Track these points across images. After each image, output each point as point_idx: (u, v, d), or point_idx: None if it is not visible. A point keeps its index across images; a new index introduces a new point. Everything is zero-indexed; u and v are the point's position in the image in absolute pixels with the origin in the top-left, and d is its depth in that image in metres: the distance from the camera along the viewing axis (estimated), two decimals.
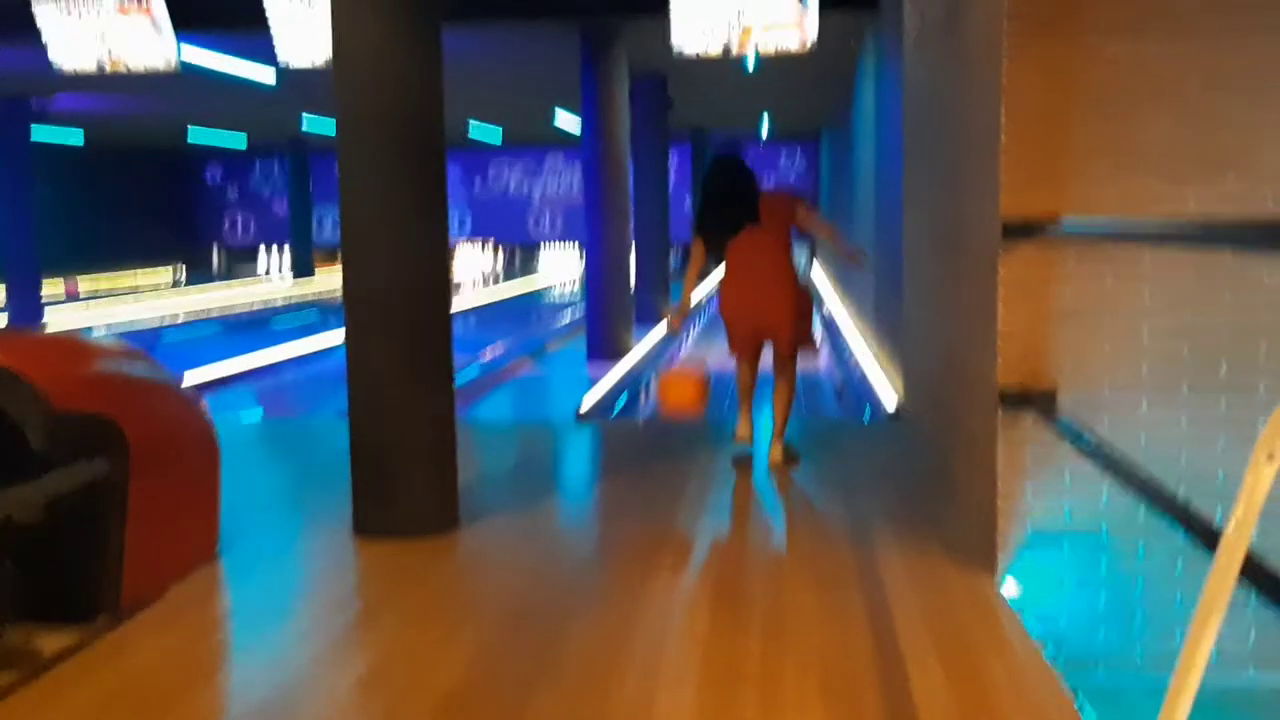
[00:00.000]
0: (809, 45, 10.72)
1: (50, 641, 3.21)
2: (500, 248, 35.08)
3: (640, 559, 4.11)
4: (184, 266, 33.35)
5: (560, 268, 32.82)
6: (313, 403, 11.93)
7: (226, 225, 35.07)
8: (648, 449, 5.04)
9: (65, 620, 3.33)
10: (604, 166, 13.79)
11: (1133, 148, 3.53)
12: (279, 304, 25.38)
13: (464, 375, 12.07)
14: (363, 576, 4.04)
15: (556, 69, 15.01)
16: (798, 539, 4.50)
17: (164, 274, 32.19)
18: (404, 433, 4.28)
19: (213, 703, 3.01)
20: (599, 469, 6.06)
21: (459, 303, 21.91)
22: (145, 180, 31.44)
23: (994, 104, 3.61)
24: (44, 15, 11.90)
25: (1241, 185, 3.49)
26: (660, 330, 15.37)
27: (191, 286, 28.90)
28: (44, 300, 20.30)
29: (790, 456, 5.46)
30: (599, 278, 13.87)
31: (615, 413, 10.75)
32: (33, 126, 19.98)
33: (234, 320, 21.69)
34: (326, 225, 31.66)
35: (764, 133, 29.08)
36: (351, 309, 4.34)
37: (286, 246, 31.68)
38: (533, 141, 30.56)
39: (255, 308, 24.53)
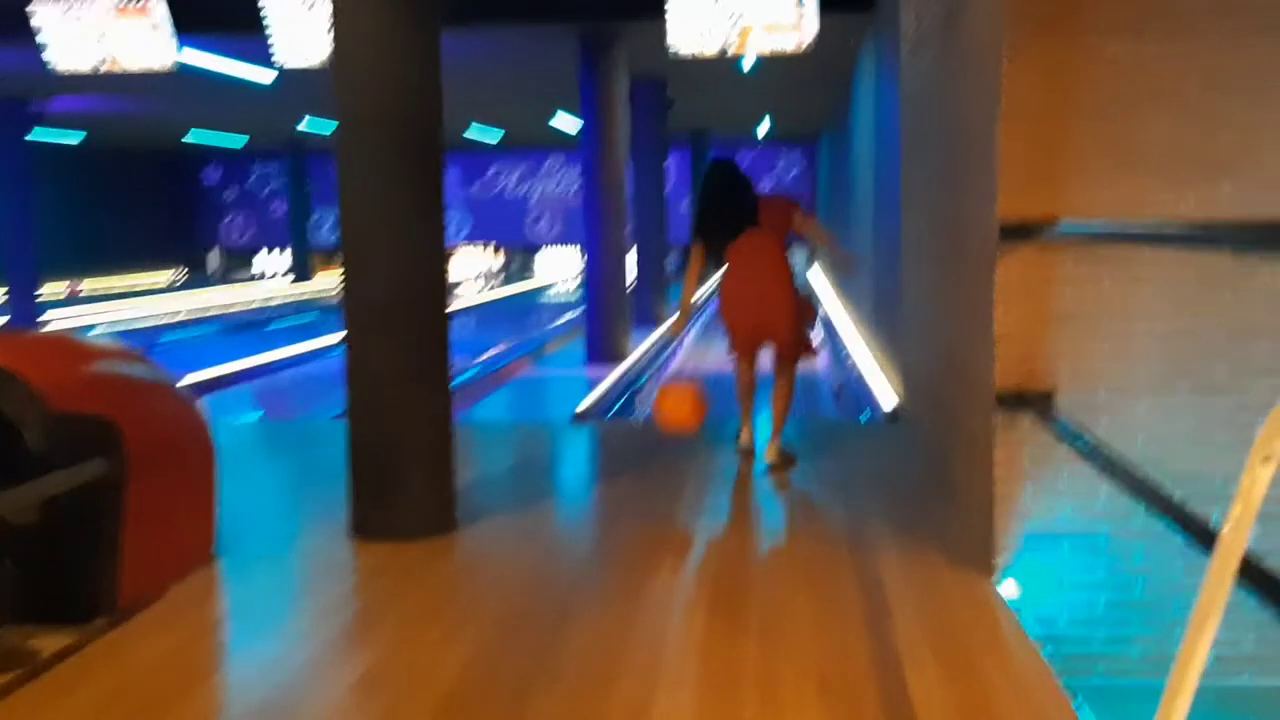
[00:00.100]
0: (805, 46, 10.73)
1: (48, 642, 3.21)
2: (499, 250, 35.08)
3: (639, 560, 4.11)
4: (185, 268, 33.34)
5: (559, 270, 32.82)
6: (310, 404, 11.92)
7: (225, 227, 35.05)
8: (646, 450, 5.04)
9: (63, 621, 3.33)
10: (603, 169, 13.79)
11: (1132, 149, 3.54)
12: (276, 304, 25.36)
13: (462, 377, 12.07)
14: (361, 577, 4.04)
15: (555, 71, 15.02)
16: (796, 540, 4.50)
17: (163, 276, 32.17)
18: (403, 433, 4.28)
19: (211, 703, 3.00)
20: (597, 470, 6.06)
21: (457, 304, 21.92)
22: (144, 182, 31.42)
23: (992, 105, 3.61)
24: (42, 16, 11.90)
25: (1241, 186, 3.49)
26: (659, 332, 15.38)
27: (191, 290, 28.85)
28: (46, 301, 20.31)
29: (787, 458, 5.47)
30: (597, 280, 13.87)
31: (612, 414, 10.75)
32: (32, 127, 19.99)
33: (233, 321, 21.68)
34: (325, 227, 31.65)
35: (762, 135, 29.09)
36: (351, 309, 4.34)
37: (288, 249, 31.62)
38: (531, 143, 30.56)
39: (254, 307, 24.52)
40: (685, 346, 15.14)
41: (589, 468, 6.19)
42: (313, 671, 3.14)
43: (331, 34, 4.31)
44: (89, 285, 27.70)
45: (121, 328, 19.09)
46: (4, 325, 18.46)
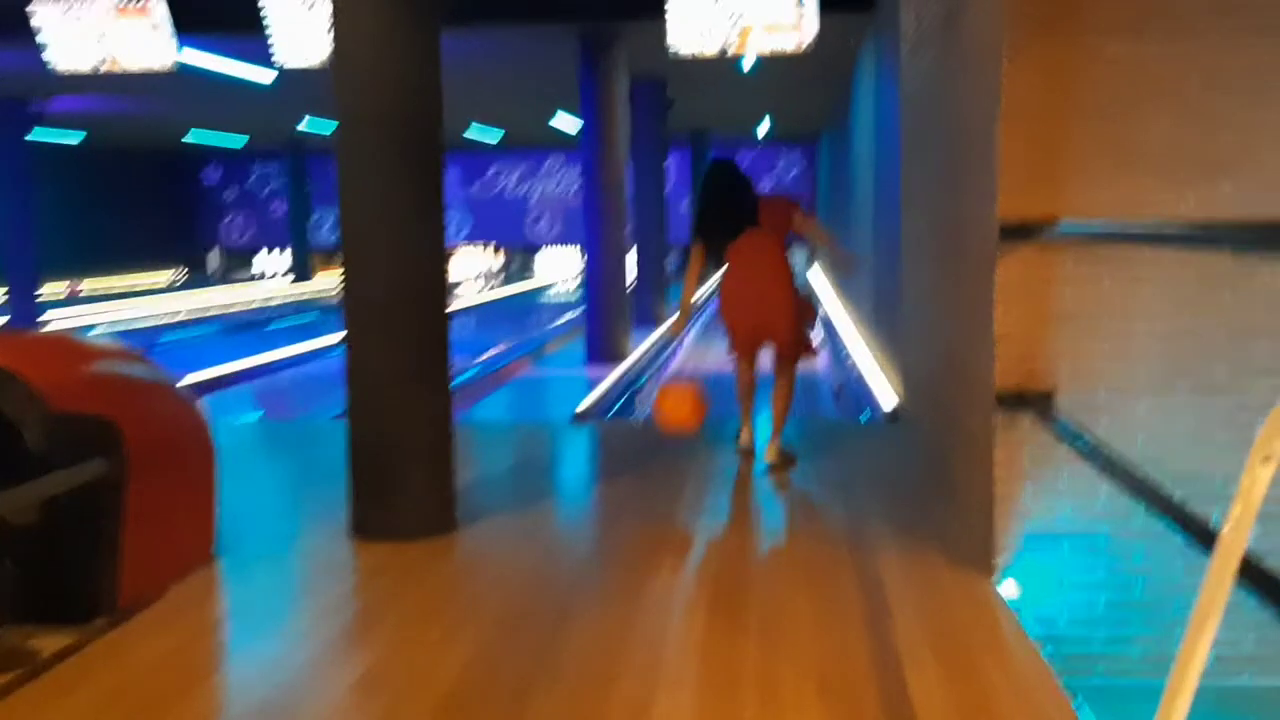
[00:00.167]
0: (805, 46, 10.73)
1: (48, 642, 3.21)
2: (498, 250, 35.08)
3: (639, 560, 4.11)
4: (185, 268, 33.33)
5: (559, 270, 32.82)
6: (310, 404, 11.92)
7: (225, 227, 35.05)
8: (646, 450, 5.05)
9: (63, 621, 3.33)
10: (603, 169, 13.79)
11: (1132, 149, 3.54)
12: (276, 304, 25.35)
13: (462, 377, 12.07)
14: (361, 577, 4.04)
15: (555, 72, 15.01)
16: (796, 540, 4.50)
17: (163, 276, 32.16)
18: (403, 433, 4.28)
19: (211, 703, 3.00)
20: (597, 470, 6.06)
21: (457, 304, 21.91)
22: (143, 182, 31.42)
23: (992, 105, 3.61)
24: (42, 16, 11.90)
25: (1241, 186, 3.49)
26: (659, 332, 15.38)
27: (191, 290, 28.84)
28: (46, 301, 20.29)
29: (787, 457, 5.47)
30: (597, 280, 13.87)
31: (612, 414, 10.75)
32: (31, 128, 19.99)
33: (232, 321, 21.68)
34: (325, 227, 31.66)
35: (762, 135, 29.09)
36: (351, 309, 4.34)
37: (288, 249, 31.61)
38: (531, 144, 30.57)
39: (254, 307, 24.52)
40: (685, 346, 15.14)
41: (589, 468, 6.19)
42: (313, 671, 3.14)
43: (331, 34, 4.31)
44: (89, 285, 27.70)
45: (121, 328, 19.09)
46: (4, 325, 18.46)
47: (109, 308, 22.40)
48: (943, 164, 4.85)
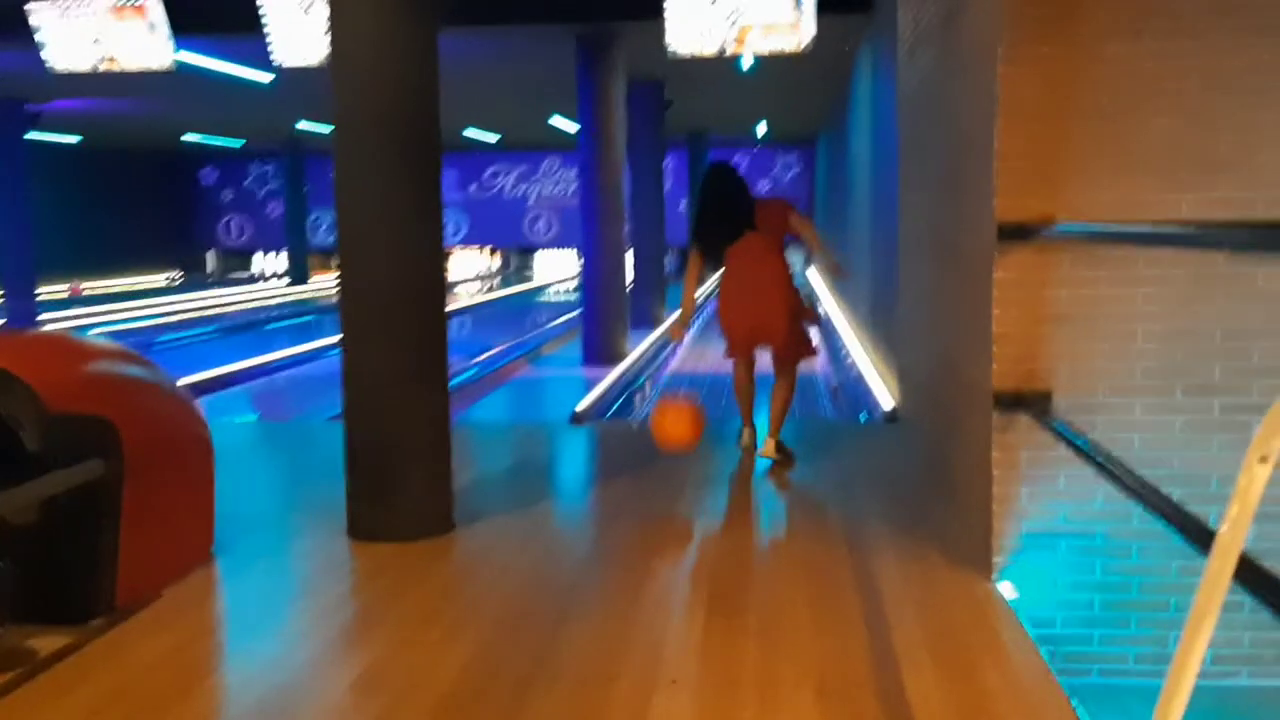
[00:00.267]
0: (804, 47, 10.74)
1: (46, 642, 3.21)
2: (494, 252, 35.06)
3: (638, 560, 4.12)
4: (182, 269, 33.30)
5: (557, 271, 32.81)
6: (307, 405, 11.91)
7: (222, 228, 35.02)
8: (644, 450, 5.05)
9: (61, 621, 3.33)
10: (600, 170, 13.78)
11: (1130, 149, 3.54)
12: (273, 305, 25.33)
13: (460, 377, 12.06)
14: (360, 578, 4.04)
15: (553, 73, 15.01)
16: (794, 541, 4.50)
17: (160, 276, 32.12)
18: (402, 433, 4.28)
19: (209, 704, 3.00)
20: (595, 471, 6.07)
21: (455, 305, 21.89)
22: (141, 182, 31.37)
23: (990, 106, 3.62)
24: (40, 16, 11.89)
25: (1239, 187, 3.50)
26: (656, 334, 15.37)
27: (189, 290, 28.81)
28: (48, 301, 20.25)
29: (785, 456, 5.48)
30: (595, 282, 13.87)
31: (610, 414, 10.76)
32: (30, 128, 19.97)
33: (230, 322, 21.67)
34: (322, 228, 31.63)
35: (760, 137, 29.09)
36: (349, 309, 4.34)
37: (286, 249, 31.56)
38: (529, 145, 30.55)
39: (251, 307, 24.50)
40: (684, 346, 15.14)
41: (587, 468, 6.20)
42: (311, 672, 3.14)
43: (330, 33, 4.31)
44: (85, 286, 27.66)
45: (118, 328, 19.06)
46: (2, 326, 18.43)
47: (106, 308, 22.37)
48: (940, 165, 4.86)
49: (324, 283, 27.81)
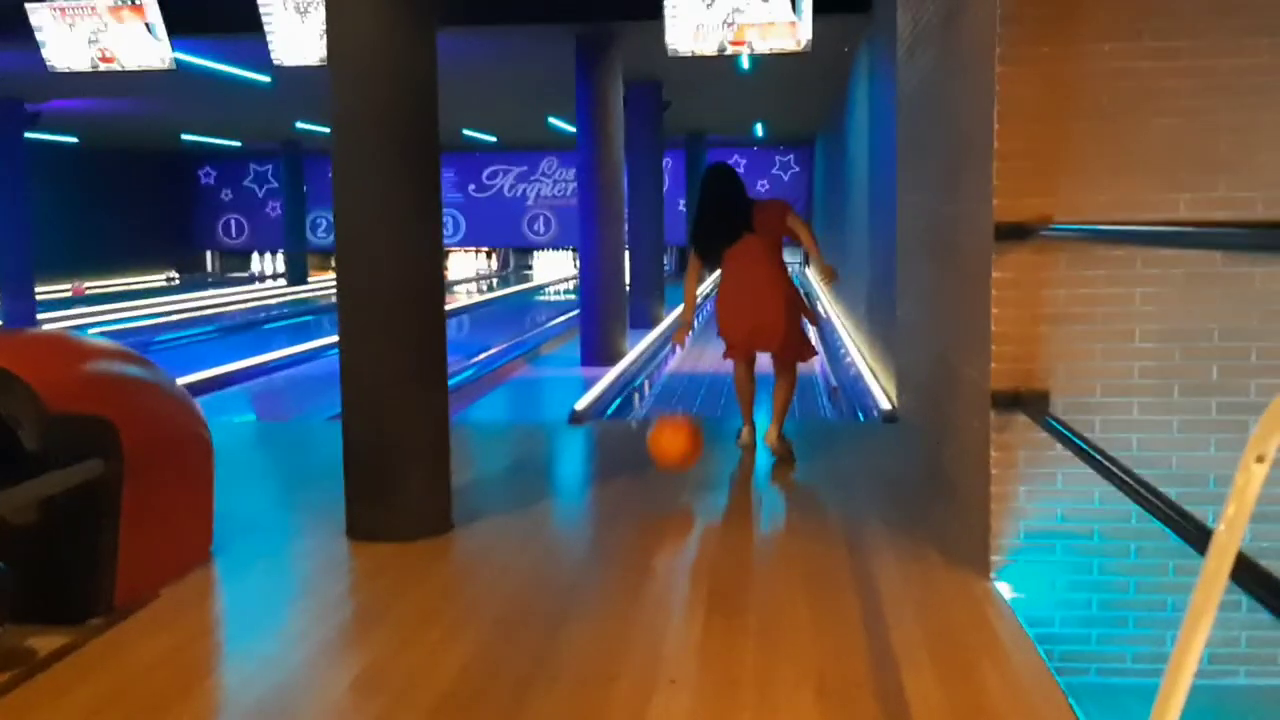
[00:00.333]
0: (803, 47, 10.74)
1: (45, 642, 3.21)
2: (494, 253, 35.05)
3: (637, 560, 4.12)
4: (181, 269, 33.28)
5: (555, 271, 32.80)
6: (306, 405, 11.90)
7: (221, 227, 35.00)
8: (643, 451, 5.05)
9: (60, 621, 3.33)
10: (599, 171, 13.78)
11: (1128, 150, 3.55)
12: (272, 305, 25.32)
13: (458, 377, 12.06)
14: (358, 577, 4.04)
15: (551, 73, 15.01)
16: (793, 541, 4.50)
17: (159, 276, 32.10)
18: (401, 433, 4.28)
19: (208, 704, 3.01)
20: (594, 471, 6.07)
21: (454, 305, 21.88)
22: (140, 182, 31.35)
23: (989, 106, 3.62)
24: (39, 15, 11.89)
25: (1237, 187, 3.50)
26: (655, 334, 15.37)
27: (187, 290, 28.79)
28: (50, 301, 20.21)
29: (787, 447, 5.50)
30: (594, 282, 13.87)
31: (609, 414, 10.76)
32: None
33: (228, 322, 21.66)
34: (321, 228, 31.60)
35: (759, 137, 29.09)
36: (347, 309, 4.34)
37: (284, 249, 31.53)
38: (527, 145, 30.54)
39: (250, 307, 24.49)
40: (680, 351, 15.12)
41: (586, 468, 6.20)
42: (310, 671, 3.14)
43: (329, 33, 4.31)
44: (85, 285, 27.64)
45: (117, 328, 19.05)
46: (1, 326, 18.42)
47: (105, 308, 22.35)
48: (939, 165, 4.86)
49: (323, 282, 27.80)
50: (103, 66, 12.07)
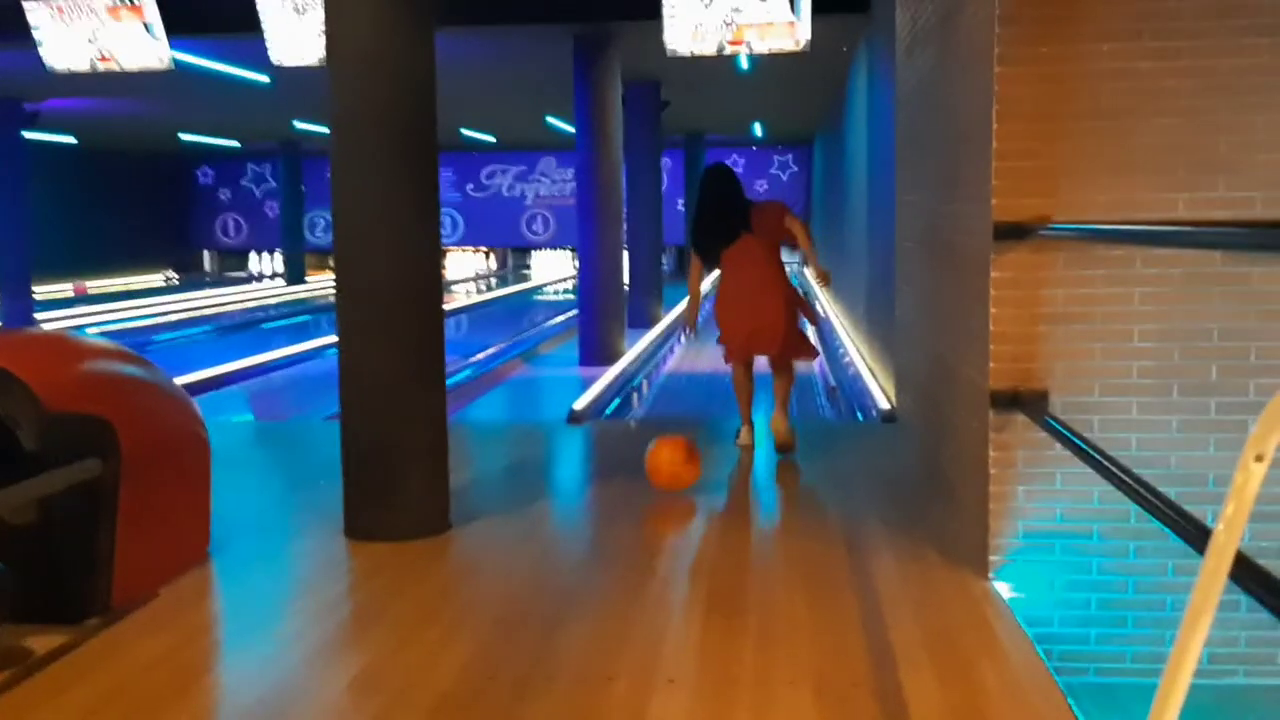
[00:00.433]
0: (802, 46, 10.74)
1: (42, 641, 3.21)
2: (492, 253, 35.05)
3: (636, 560, 4.12)
4: (179, 269, 33.26)
5: (553, 271, 32.80)
6: (304, 405, 11.89)
7: (220, 227, 34.98)
8: (641, 451, 5.04)
9: (57, 620, 3.33)
10: (598, 171, 13.78)
11: (1127, 150, 3.55)
12: (270, 305, 25.31)
13: (456, 377, 12.05)
14: (357, 577, 4.04)
15: (549, 74, 15.00)
16: (792, 541, 4.50)
17: (157, 276, 32.08)
18: (399, 433, 4.28)
19: (205, 703, 3.00)
20: (592, 471, 6.07)
21: (452, 304, 21.87)
22: (138, 182, 31.32)
23: (987, 106, 3.62)
24: (37, 15, 11.87)
25: (1235, 187, 3.50)
26: (653, 334, 15.38)
27: (185, 290, 28.78)
28: (50, 300, 20.18)
29: (792, 437, 5.52)
30: (592, 281, 13.87)
31: (608, 414, 10.75)
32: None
33: (226, 322, 21.65)
34: (319, 228, 31.58)
35: (757, 137, 29.09)
36: (346, 309, 4.33)
37: (283, 249, 31.51)
38: (526, 145, 30.53)
39: (248, 307, 24.48)
40: (680, 346, 15.14)
41: (585, 468, 6.20)
42: (308, 671, 3.14)
43: (327, 33, 4.31)
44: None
45: (116, 327, 19.04)
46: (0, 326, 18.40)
47: (103, 308, 22.33)
48: (938, 165, 4.86)
49: (321, 282, 27.78)
50: (101, 66, 12.06)
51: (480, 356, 14.75)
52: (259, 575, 3.98)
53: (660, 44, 10.92)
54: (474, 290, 29.09)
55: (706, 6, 10.67)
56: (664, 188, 19.86)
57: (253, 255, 35.35)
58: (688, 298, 5.96)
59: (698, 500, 4.92)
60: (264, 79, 14.88)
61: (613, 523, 4.70)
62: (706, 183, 5.72)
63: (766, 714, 2.78)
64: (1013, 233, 3.55)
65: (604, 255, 13.85)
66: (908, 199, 6.17)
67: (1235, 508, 1.44)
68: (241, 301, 25.54)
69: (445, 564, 4.14)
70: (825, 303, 18.29)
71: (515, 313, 22.52)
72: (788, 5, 10.57)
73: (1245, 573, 1.63)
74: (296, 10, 11.34)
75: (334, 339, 4.51)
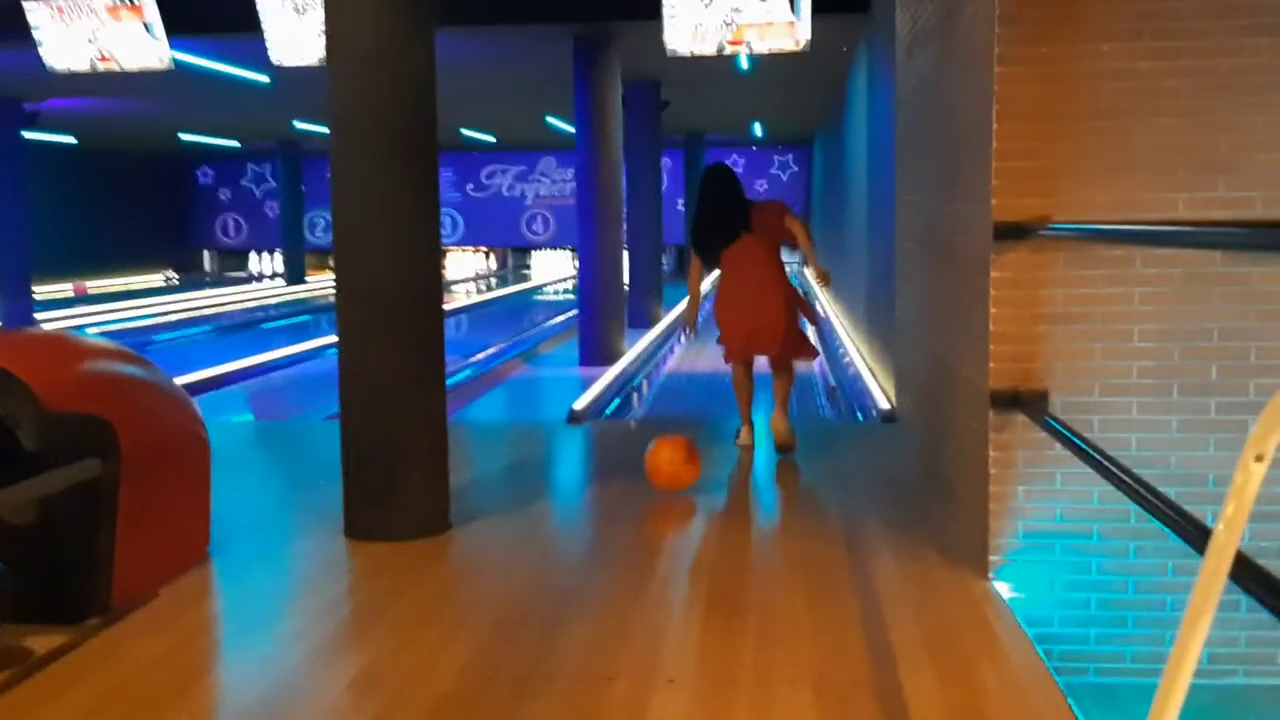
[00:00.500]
0: (801, 46, 10.75)
1: (42, 641, 3.21)
2: (492, 253, 35.05)
3: (636, 560, 4.12)
4: (179, 269, 33.26)
5: (553, 271, 32.80)
6: (304, 405, 11.90)
7: (219, 227, 34.98)
8: (641, 451, 5.04)
9: (57, 620, 3.33)
10: (598, 171, 13.78)
11: (1127, 150, 3.55)
12: (270, 305, 25.31)
13: (456, 377, 12.04)
14: (357, 577, 4.04)
15: (549, 74, 15.00)
16: (792, 541, 4.50)
17: (157, 276, 32.08)
18: (399, 433, 4.28)
19: (205, 703, 3.00)
20: (592, 471, 6.07)
21: (452, 305, 21.87)
22: (138, 182, 31.32)
23: (987, 106, 3.62)
24: (37, 15, 11.88)
25: (1235, 187, 3.50)
26: (653, 334, 15.38)
27: (185, 290, 28.78)
28: (51, 300, 20.18)
29: (792, 437, 5.51)
30: (592, 281, 13.87)
31: (608, 414, 10.75)
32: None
33: (226, 322, 21.65)
34: (319, 227, 31.58)
35: (757, 137, 29.09)
36: (346, 308, 4.33)
37: (283, 249, 31.51)
38: (526, 145, 30.53)
39: (248, 307, 24.47)
40: (680, 346, 15.14)
41: (585, 468, 6.20)
42: (308, 671, 3.14)
43: (327, 33, 4.31)
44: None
45: (116, 327, 19.04)
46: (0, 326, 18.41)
47: (102, 308, 22.33)
48: (938, 165, 4.86)
49: (321, 282, 27.78)
50: (101, 66, 12.06)
51: (480, 356, 14.75)
52: (259, 575, 3.98)
53: (660, 44, 10.92)
54: (474, 290, 29.08)
55: (706, 6, 10.67)
56: (664, 188, 19.86)
57: (253, 255, 35.35)
58: (688, 298, 5.96)
59: (698, 500, 4.92)
60: (264, 79, 14.89)
61: (613, 523, 4.70)
62: (706, 183, 5.73)
63: (766, 714, 2.78)
64: (1013, 233, 3.55)
65: (604, 255, 13.85)
66: (908, 199, 6.17)
67: (1235, 508, 1.44)
68: (241, 301, 25.54)
69: (445, 564, 4.14)
70: (825, 303, 18.28)
71: (515, 313, 22.51)
72: (788, 5, 10.57)
73: (1245, 573, 1.63)
74: (296, 10, 11.35)
75: (334, 339, 4.51)
